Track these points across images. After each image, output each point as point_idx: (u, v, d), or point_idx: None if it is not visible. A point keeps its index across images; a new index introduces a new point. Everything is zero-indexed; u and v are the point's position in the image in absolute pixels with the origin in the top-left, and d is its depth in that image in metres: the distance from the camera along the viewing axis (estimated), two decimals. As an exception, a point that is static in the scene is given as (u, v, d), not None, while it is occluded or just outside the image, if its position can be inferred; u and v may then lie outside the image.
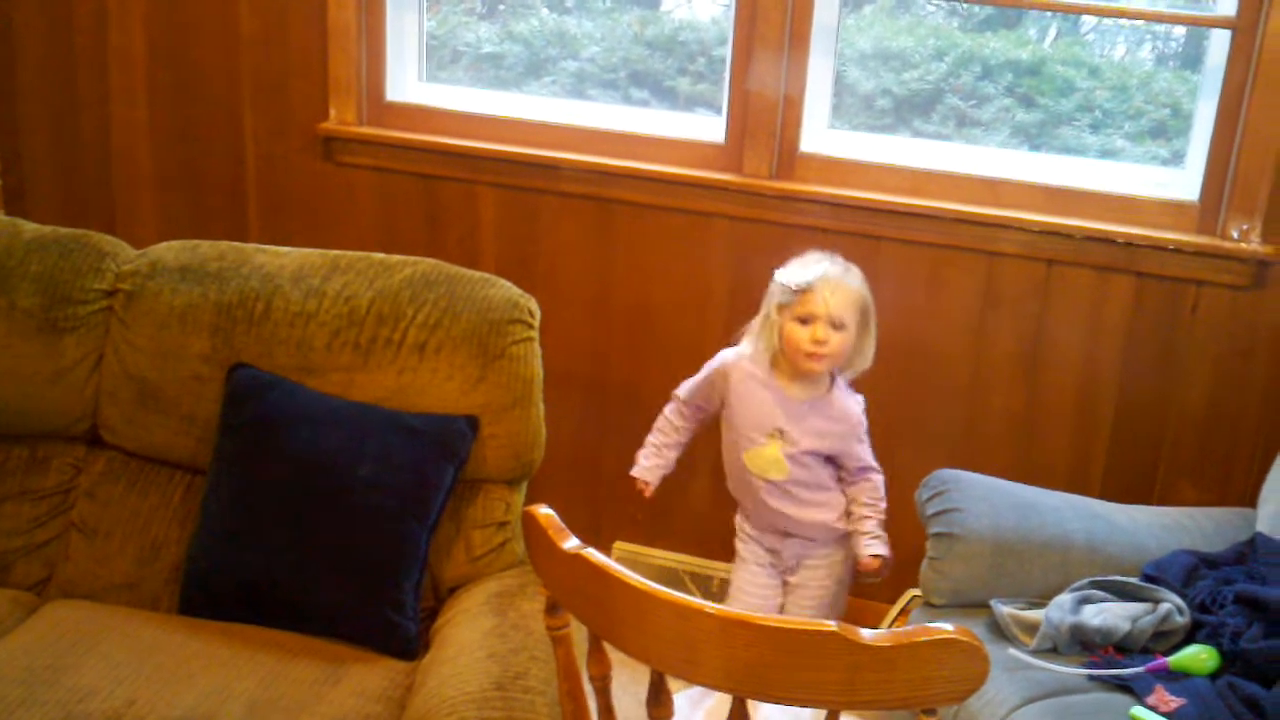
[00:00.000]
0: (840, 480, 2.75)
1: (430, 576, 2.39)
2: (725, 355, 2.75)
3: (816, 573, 2.78)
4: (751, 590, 2.82)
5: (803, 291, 2.59)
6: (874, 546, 2.69)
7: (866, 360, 2.69)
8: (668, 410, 2.84)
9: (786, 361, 2.65)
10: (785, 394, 2.66)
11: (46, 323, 2.51)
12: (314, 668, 2.19)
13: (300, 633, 2.29)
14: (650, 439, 2.84)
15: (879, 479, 2.74)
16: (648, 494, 2.83)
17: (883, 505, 2.73)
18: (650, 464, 2.83)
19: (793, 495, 2.70)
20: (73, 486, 2.54)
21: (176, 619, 2.34)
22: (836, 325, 2.58)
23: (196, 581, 2.37)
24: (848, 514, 2.74)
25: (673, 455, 2.84)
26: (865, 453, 2.73)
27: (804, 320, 2.59)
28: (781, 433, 2.66)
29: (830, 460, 2.72)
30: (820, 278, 2.59)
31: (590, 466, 3.46)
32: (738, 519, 2.87)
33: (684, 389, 2.81)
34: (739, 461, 2.73)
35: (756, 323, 2.70)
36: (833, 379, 2.70)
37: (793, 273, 2.63)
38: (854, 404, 2.71)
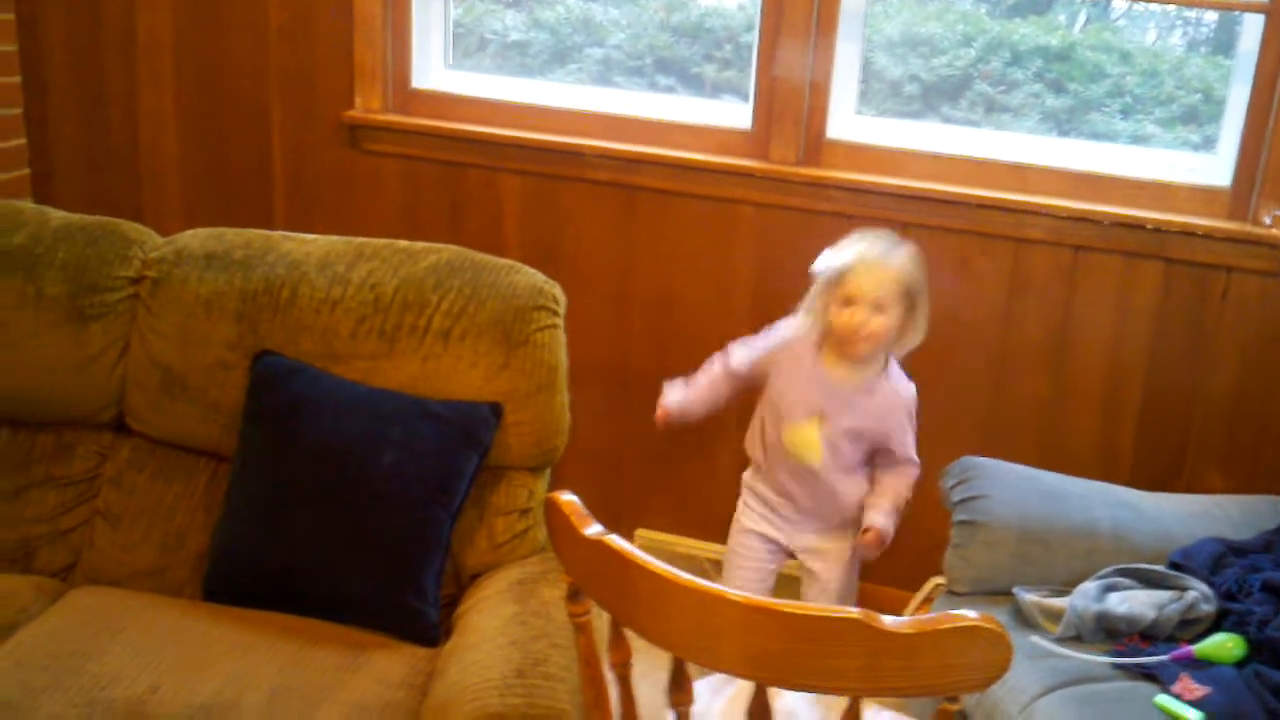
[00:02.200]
0: (875, 465, 2.71)
1: (452, 563, 2.39)
2: (785, 329, 2.70)
3: (825, 562, 2.76)
4: (749, 562, 2.79)
5: (842, 274, 2.55)
6: (876, 518, 2.61)
7: (918, 335, 2.62)
8: (716, 360, 2.76)
9: (833, 344, 2.62)
10: (830, 379, 2.62)
11: (73, 310, 2.52)
12: (336, 654, 2.19)
13: (322, 619, 2.29)
14: (690, 383, 2.76)
15: (914, 472, 2.69)
16: (664, 421, 2.73)
17: (906, 495, 2.67)
18: (677, 395, 2.73)
19: (821, 479, 2.68)
20: (98, 474, 2.55)
21: (200, 606, 2.35)
22: (878, 307, 2.53)
23: (220, 568, 2.38)
24: (870, 490, 2.69)
25: (701, 396, 2.73)
26: (908, 442, 2.67)
27: (846, 302, 2.55)
28: (823, 415, 2.63)
29: (866, 445, 2.67)
30: (857, 259, 2.55)
31: (612, 454, 3.46)
32: (747, 477, 2.83)
33: (738, 351, 2.74)
34: (777, 436, 2.69)
35: (804, 305, 2.65)
36: (886, 362, 2.65)
37: (833, 254, 2.59)
38: (905, 390, 2.66)
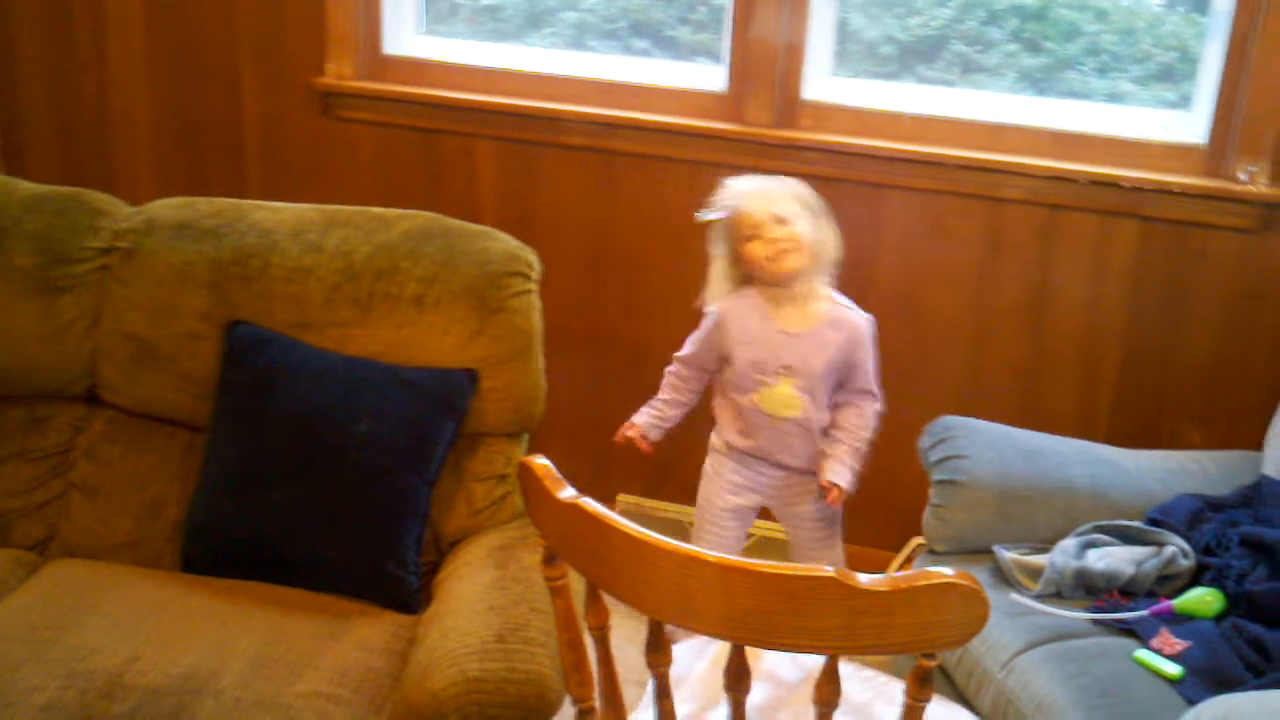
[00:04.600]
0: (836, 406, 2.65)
1: (431, 530, 2.39)
2: (716, 307, 2.65)
3: (814, 523, 2.73)
4: (725, 535, 2.74)
5: (735, 213, 2.53)
6: (833, 472, 2.56)
7: (831, 250, 2.57)
8: (670, 370, 2.75)
9: (765, 283, 2.56)
10: (786, 327, 2.56)
11: (43, 282, 2.50)
12: (316, 622, 2.19)
13: (302, 588, 2.29)
14: (653, 400, 2.76)
15: (872, 408, 2.61)
16: (641, 445, 2.73)
17: (865, 434, 2.60)
18: (643, 419, 2.73)
19: (807, 428, 2.60)
20: (72, 446, 2.54)
21: (178, 577, 2.34)
22: (780, 221, 2.50)
23: (197, 539, 2.37)
24: (828, 433, 2.62)
25: (671, 412, 2.74)
26: (868, 372, 2.60)
27: (751, 238, 2.51)
28: (789, 368, 2.59)
29: (836, 380, 2.60)
30: (741, 196, 2.54)
31: (593, 419, 3.44)
32: (719, 461, 2.77)
33: (685, 350, 2.72)
34: (751, 405, 2.63)
35: (714, 272, 2.62)
36: (825, 292, 2.59)
37: (715, 207, 2.57)
38: (859, 316, 2.59)
